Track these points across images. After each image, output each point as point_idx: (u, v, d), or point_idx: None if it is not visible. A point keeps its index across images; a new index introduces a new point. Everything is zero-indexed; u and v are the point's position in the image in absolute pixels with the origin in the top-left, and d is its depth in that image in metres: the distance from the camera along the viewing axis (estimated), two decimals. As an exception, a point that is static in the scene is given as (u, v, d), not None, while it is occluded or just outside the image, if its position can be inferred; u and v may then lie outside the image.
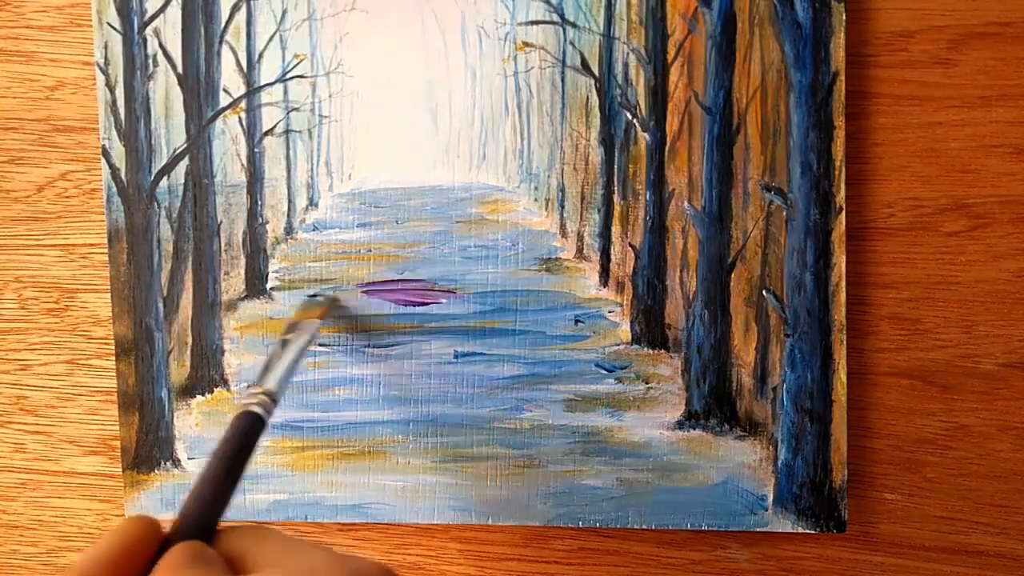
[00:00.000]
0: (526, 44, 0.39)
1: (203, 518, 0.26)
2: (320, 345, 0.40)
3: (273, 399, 0.30)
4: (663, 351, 0.39)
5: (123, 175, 0.41)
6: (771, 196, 0.38)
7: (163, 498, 0.41)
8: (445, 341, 0.40)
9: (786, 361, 0.38)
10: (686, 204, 0.39)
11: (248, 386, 0.30)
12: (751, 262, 0.39)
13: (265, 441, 0.41)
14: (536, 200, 0.40)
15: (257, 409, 0.29)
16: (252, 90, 0.40)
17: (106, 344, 0.43)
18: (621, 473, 0.39)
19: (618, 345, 0.40)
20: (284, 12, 0.40)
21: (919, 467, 0.40)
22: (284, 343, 0.35)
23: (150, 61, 0.40)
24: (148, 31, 0.40)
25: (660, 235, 0.39)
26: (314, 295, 0.40)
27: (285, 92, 0.40)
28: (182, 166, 0.41)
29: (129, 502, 0.41)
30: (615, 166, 0.39)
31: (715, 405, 0.39)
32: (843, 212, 0.38)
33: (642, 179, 0.39)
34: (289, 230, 0.41)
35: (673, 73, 0.39)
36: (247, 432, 0.28)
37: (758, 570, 0.40)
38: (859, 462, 0.40)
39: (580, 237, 0.40)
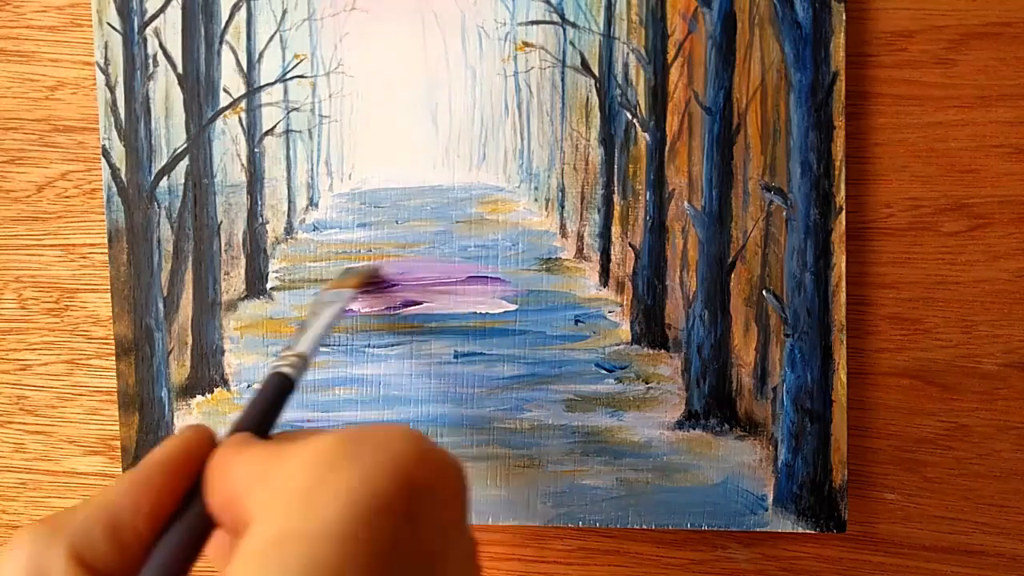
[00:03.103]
0: (526, 44, 0.39)
1: None
2: (320, 345, 0.40)
3: (304, 361, 0.31)
4: (663, 351, 0.39)
5: (123, 175, 0.41)
6: (771, 196, 0.38)
7: (163, 498, 0.41)
8: (445, 341, 0.40)
9: (786, 361, 0.38)
10: (686, 204, 0.39)
11: (281, 350, 0.32)
12: (751, 262, 0.39)
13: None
14: (536, 200, 0.40)
15: (287, 370, 0.30)
16: (252, 90, 0.40)
17: (106, 344, 0.43)
18: (621, 473, 0.39)
19: (618, 345, 0.40)
20: (284, 12, 0.40)
21: (919, 467, 0.40)
22: (318, 309, 0.35)
23: (150, 61, 0.40)
24: (148, 31, 0.40)
25: (660, 235, 0.39)
26: (350, 267, 0.40)
27: (285, 92, 0.40)
28: (182, 166, 0.41)
29: (129, 502, 0.41)
30: (615, 166, 0.39)
31: (715, 405, 0.39)
32: (843, 212, 0.38)
33: (642, 179, 0.39)
34: (289, 230, 0.41)
35: (673, 73, 0.39)
36: (276, 392, 0.29)
37: (758, 570, 0.40)
38: (859, 462, 0.40)
39: (580, 237, 0.40)
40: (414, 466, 0.22)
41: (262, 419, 0.28)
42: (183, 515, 0.24)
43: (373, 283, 0.40)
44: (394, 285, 0.40)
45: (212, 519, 0.24)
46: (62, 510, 0.24)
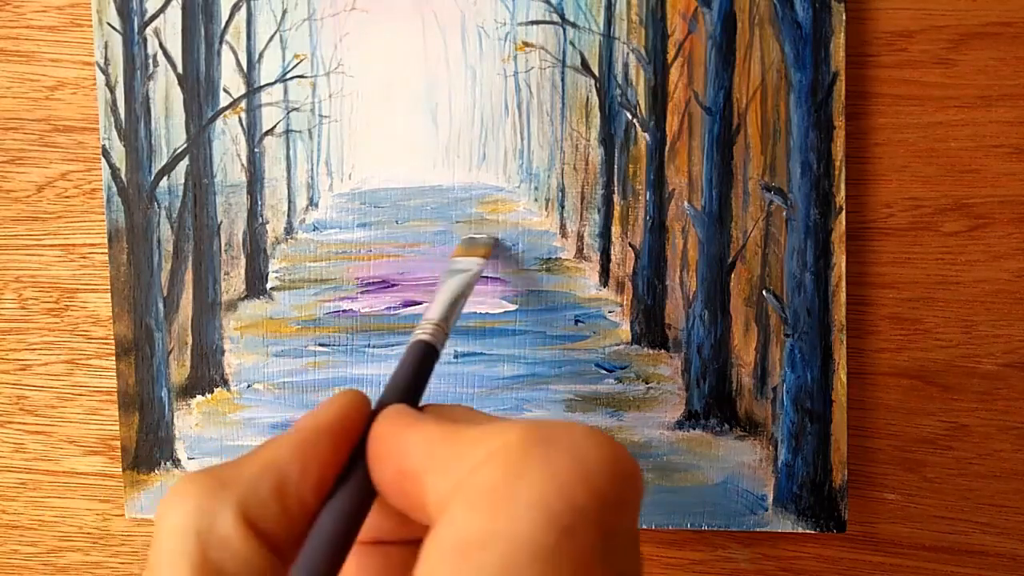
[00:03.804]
0: (526, 44, 0.39)
1: None
2: (320, 345, 0.40)
3: (443, 329, 0.30)
4: (663, 351, 0.39)
5: (123, 175, 0.41)
6: (771, 196, 0.38)
7: (163, 498, 0.41)
8: (445, 341, 0.40)
9: (786, 361, 0.38)
10: (686, 204, 0.39)
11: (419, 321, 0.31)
12: (751, 262, 0.39)
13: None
14: (536, 200, 0.40)
15: (428, 338, 0.29)
16: (252, 90, 0.40)
17: (106, 344, 0.43)
18: (621, 473, 0.39)
19: (618, 345, 0.40)
20: (284, 12, 0.40)
21: (919, 467, 0.40)
22: (447, 277, 0.34)
23: (150, 61, 0.40)
24: (148, 31, 0.40)
25: (660, 235, 0.39)
26: (473, 237, 0.39)
27: (285, 92, 0.40)
28: (182, 166, 0.41)
29: (129, 502, 0.41)
30: (615, 166, 0.39)
31: (715, 405, 0.39)
32: (843, 212, 0.38)
33: (642, 179, 0.39)
34: (289, 230, 0.41)
35: (673, 73, 0.39)
36: (422, 359, 0.28)
37: (758, 570, 0.40)
38: (859, 462, 0.40)
39: (580, 237, 0.40)
40: (610, 479, 0.21)
41: (411, 388, 0.27)
42: (347, 484, 0.23)
43: (499, 253, 0.39)
44: (516, 258, 0.39)
45: (374, 489, 0.24)
46: (224, 463, 0.23)
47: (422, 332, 0.29)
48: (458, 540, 0.20)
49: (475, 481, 0.21)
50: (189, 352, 0.41)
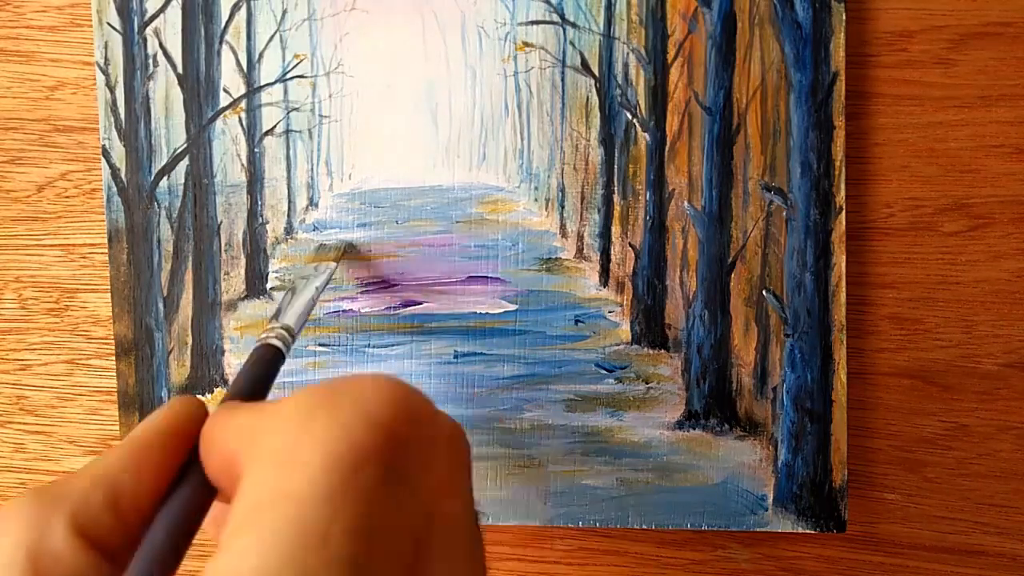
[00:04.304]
0: (526, 44, 0.39)
1: None
2: (320, 345, 0.40)
3: (291, 335, 0.30)
4: (663, 351, 0.39)
5: (123, 175, 0.41)
6: (771, 196, 0.38)
7: (163, 498, 0.41)
8: (445, 341, 0.40)
9: (786, 361, 0.38)
10: (686, 204, 0.39)
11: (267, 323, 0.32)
12: (751, 262, 0.39)
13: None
14: (536, 200, 0.40)
15: (276, 342, 0.29)
16: (252, 90, 0.40)
17: (106, 344, 0.43)
18: (621, 473, 0.39)
19: (618, 345, 0.40)
20: (284, 12, 0.40)
21: (919, 467, 0.40)
22: (299, 284, 0.35)
23: (150, 61, 0.40)
24: (148, 31, 0.40)
25: (660, 235, 0.39)
26: (323, 244, 0.40)
27: (285, 92, 0.40)
28: (182, 166, 0.41)
29: (129, 502, 0.41)
30: (615, 166, 0.39)
31: (715, 405, 0.39)
32: (843, 212, 0.38)
33: (642, 179, 0.39)
34: (289, 230, 0.41)
35: (673, 73, 0.39)
36: (268, 364, 0.29)
37: (758, 570, 0.40)
38: (859, 462, 0.40)
39: (580, 237, 0.40)
40: (393, 417, 0.21)
41: (253, 389, 0.27)
42: (183, 485, 0.24)
43: (351, 257, 0.40)
44: (368, 262, 0.40)
45: (212, 487, 0.24)
46: (55, 480, 0.23)
47: (269, 335, 0.30)
48: (252, 502, 0.20)
49: (267, 443, 0.21)
50: (189, 352, 0.41)
